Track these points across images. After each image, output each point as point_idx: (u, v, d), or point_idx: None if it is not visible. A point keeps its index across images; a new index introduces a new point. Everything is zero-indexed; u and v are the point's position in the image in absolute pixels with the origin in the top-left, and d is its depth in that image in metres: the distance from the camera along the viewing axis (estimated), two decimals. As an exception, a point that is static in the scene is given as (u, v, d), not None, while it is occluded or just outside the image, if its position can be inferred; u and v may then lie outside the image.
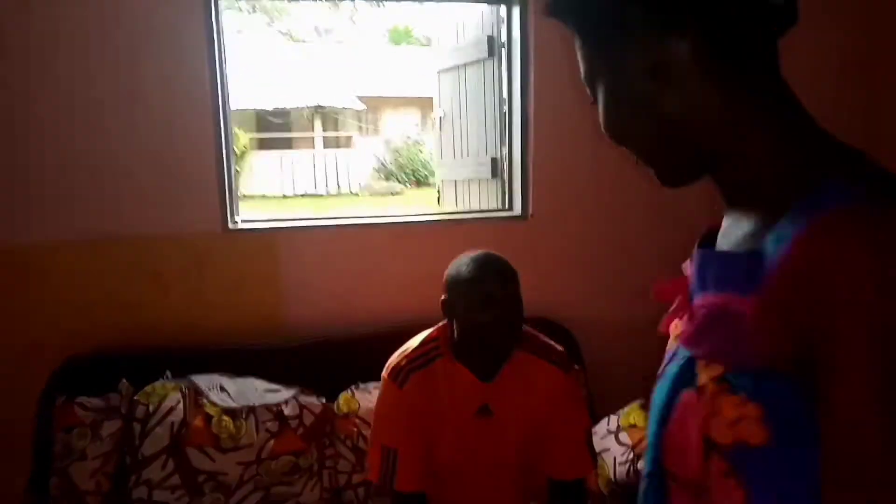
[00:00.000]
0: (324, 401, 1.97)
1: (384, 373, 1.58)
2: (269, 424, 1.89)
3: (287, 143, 14.85)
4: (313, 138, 15.53)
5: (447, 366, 1.54)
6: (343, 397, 1.98)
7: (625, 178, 2.37)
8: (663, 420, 0.66)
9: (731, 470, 0.59)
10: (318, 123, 15.77)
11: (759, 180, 0.63)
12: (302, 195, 12.25)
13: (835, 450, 0.53)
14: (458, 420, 1.53)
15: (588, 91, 0.73)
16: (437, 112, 2.76)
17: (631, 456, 1.78)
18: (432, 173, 16.54)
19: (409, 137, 16.87)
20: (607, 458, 1.84)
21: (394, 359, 1.58)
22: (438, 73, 2.71)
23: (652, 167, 0.70)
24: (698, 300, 0.65)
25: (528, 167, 2.31)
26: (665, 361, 0.72)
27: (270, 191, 13.11)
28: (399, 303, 2.24)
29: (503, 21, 2.32)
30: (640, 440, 1.80)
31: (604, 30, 0.67)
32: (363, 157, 16.12)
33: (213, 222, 2.09)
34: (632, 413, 1.88)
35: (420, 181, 16.17)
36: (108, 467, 1.82)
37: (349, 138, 16.94)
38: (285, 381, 2.00)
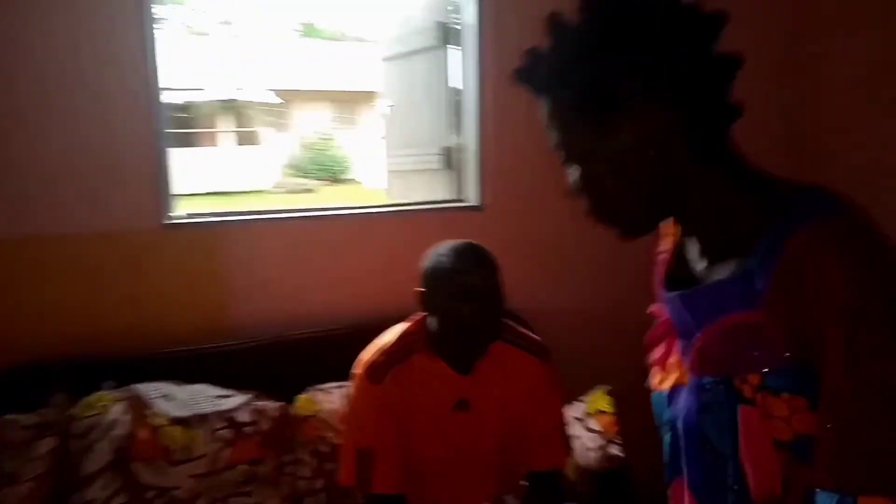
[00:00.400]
0: (281, 404, 1.86)
1: (357, 370, 1.51)
2: (223, 432, 1.76)
3: (195, 140, 14.24)
4: (223, 134, 14.98)
5: (424, 361, 1.48)
6: (302, 399, 1.87)
7: None
8: (733, 434, 0.70)
9: (800, 462, 0.66)
10: (228, 119, 15.22)
11: (729, 221, 0.72)
12: (211, 193, 11.77)
13: (824, 421, 0.63)
14: (436, 416, 1.49)
15: (562, 156, 0.80)
16: (382, 101, 2.68)
17: (601, 442, 1.77)
18: (347, 169, 16.33)
19: (321, 133, 16.57)
20: (577, 446, 1.83)
21: (368, 355, 1.51)
22: (383, 61, 2.63)
23: (619, 224, 0.79)
24: (705, 330, 0.73)
25: (482, 157, 2.27)
26: (675, 399, 0.80)
27: (178, 189, 12.49)
28: (355, 298, 2.15)
29: (456, 7, 2.27)
30: (610, 425, 1.80)
31: (598, 103, 0.72)
32: (275, 153, 15.70)
33: (150, 217, 1.93)
34: (598, 399, 1.88)
35: (335, 178, 15.92)
36: (43, 490, 1.64)
37: (261, 134, 16.45)
38: (238, 385, 1.87)
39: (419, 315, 1.55)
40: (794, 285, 0.64)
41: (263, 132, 16.12)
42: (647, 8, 0.70)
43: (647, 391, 0.88)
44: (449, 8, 2.28)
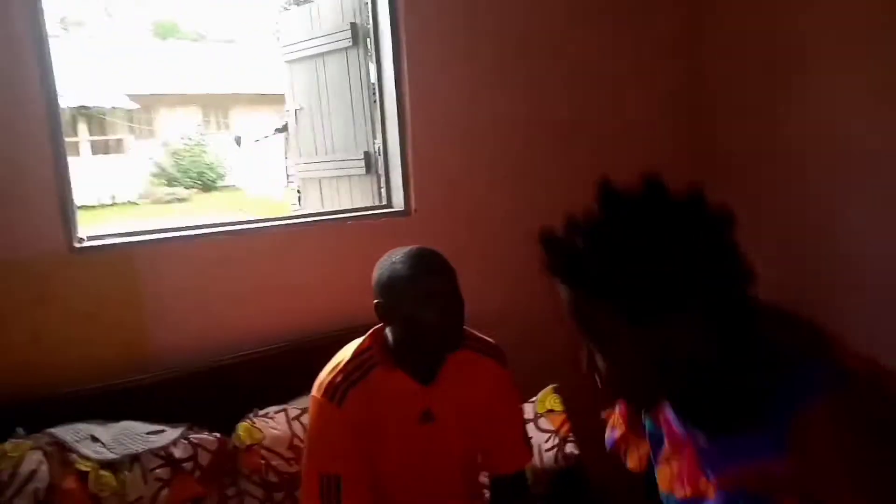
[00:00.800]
0: (219, 435, 1.73)
1: (316, 393, 1.43)
2: (158, 472, 1.62)
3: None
4: (77, 143, 13.84)
5: (385, 375, 1.43)
6: (242, 428, 1.75)
7: (508, 165, 2.41)
8: None
9: None
10: (82, 127, 14.08)
11: (736, 398, 0.78)
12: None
13: None
14: (400, 430, 1.44)
15: (585, 340, 0.81)
16: (290, 105, 2.56)
17: (556, 441, 1.79)
18: (221, 176, 15.59)
19: (189, 138, 15.73)
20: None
21: (325, 376, 1.43)
22: (289, 63, 2.51)
23: (633, 403, 0.88)
24: (728, 467, 0.80)
25: (407, 160, 2.23)
26: None
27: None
28: (287, 315, 2.05)
29: (367, 7, 2.21)
30: (562, 424, 1.82)
31: (639, 311, 0.74)
32: (138, 161, 14.74)
33: (55, 241, 1.73)
34: (546, 399, 1.90)
35: (208, 185, 15.18)
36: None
37: (120, 142, 15.38)
38: (169, 419, 1.73)
39: (373, 329, 1.49)
40: (808, 451, 0.72)
41: (125, 139, 15.09)
42: (687, 227, 0.75)
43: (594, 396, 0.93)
44: (363, 9, 2.21)
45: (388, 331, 1.46)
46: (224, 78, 15.27)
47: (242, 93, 15.29)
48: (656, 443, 0.96)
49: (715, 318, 0.75)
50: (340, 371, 1.43)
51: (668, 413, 0.89)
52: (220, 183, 15.42)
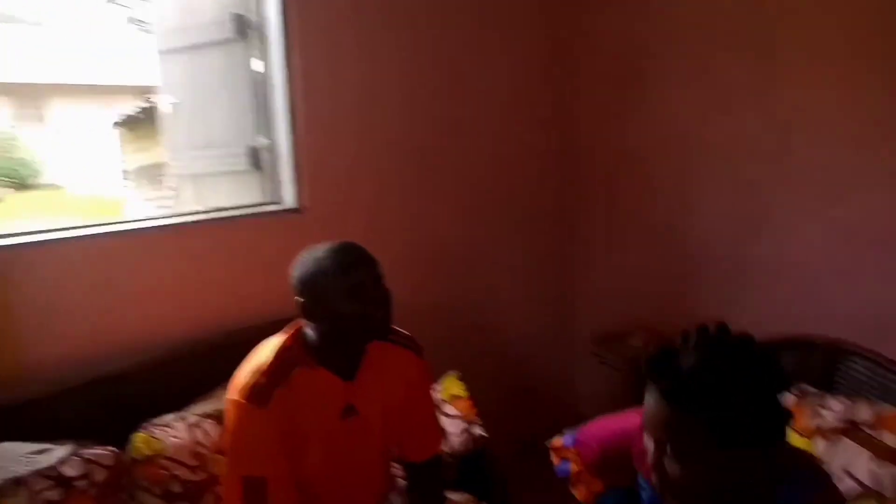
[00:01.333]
0: (113, 450, 1.61)
1: (237, 396, 1.39)
2: (48, 494, 1.48)
3: None
4: None
5: (307, 373, 1.43)
6: (140, 439, 1.64)
7: (403, 160, 2.44)
8: None
9: None
10: None
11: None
12: None
13: None
14: (324, 427, 1.45)
15: (665, 449, 0.94)
16: (163, 98, 2.40)
17: (463, 426, 1.86)
18: (37, 173, 14.05)
19: (2, 132, 14.01)
20: (439, 434, 1.90)
21: (245, 378, 1.40)
22: (162, 54, 2.36)
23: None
24: None
25: (297, 156, 2.19)
26: None
27: None
28: (175, 319, 1.95)
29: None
30: (467, 408, 1.90)
31: (737, 431, 0.90)
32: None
33: None
34: (450, 385, 1.97)
35: (23, 183, 13.63)
36: None
37: (-90, 135, 13.40)
38: (53, 436, 1.58)
39: (292, 327, 1.48)
40: None
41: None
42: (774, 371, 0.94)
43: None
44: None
45: (307, 329, 1.45)
46: (42, 65, 13.77)
47: (67, 83, 13.89)
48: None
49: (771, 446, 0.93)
50: (263, 373, 1.40)
51: None
52: (36, 180, 13.91)
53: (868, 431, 1.48)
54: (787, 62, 2.24)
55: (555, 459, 1.29)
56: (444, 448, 1.82)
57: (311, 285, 1.38)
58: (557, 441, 1.33)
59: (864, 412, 1.53)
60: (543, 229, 3.00)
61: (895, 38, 1.98)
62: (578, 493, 1.22)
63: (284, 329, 1.49)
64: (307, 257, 1.42)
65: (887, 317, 2.07)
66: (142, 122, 7.99)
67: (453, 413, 1.89)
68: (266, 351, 1.45)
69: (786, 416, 0.94)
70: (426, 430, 1.62)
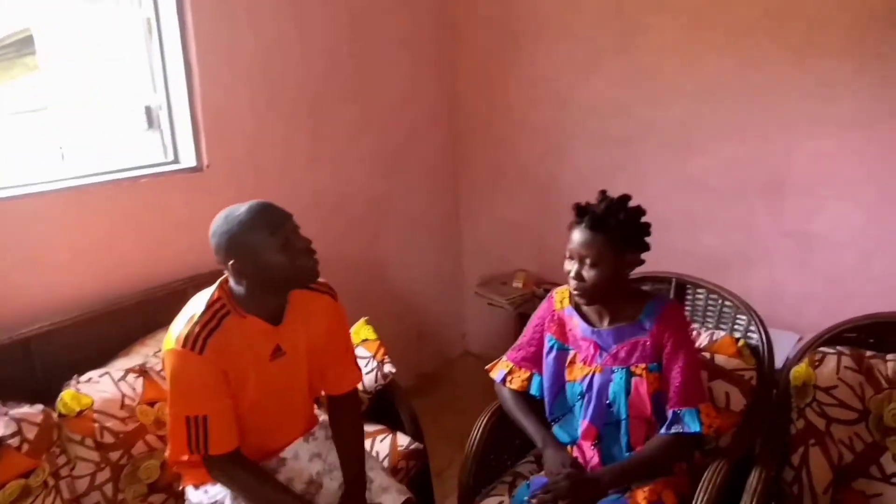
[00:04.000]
0: (42, 408, 1.66)
1: (174, 346, 1.51)
2: (-21, 453, 1.52)
3: None
4: None
5: (238, 321, 1.56)
6: (68, 395, 1.70)
7: (304, 117, 2.51)
8: (627, 393, 1.63)
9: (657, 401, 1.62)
10: None
11: (627, 303, 1.67)
12: None
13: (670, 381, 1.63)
14: (257, 368, 1.59)
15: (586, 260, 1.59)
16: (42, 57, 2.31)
17: (374, 364, 2.06)
18: None
19: None
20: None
21: (181, 329, 1.51)
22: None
23: (596, 298, 1.64)
24: (616, 347, 1.65)
25: (195, 114, 2.22)
26: (592, 382, 1.69)
27: None
28: (84, 282, 1.98)
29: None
30: (377, 348, 2.09)
31: (628, 243, 1.61)
32: None
33: None
34: (360, 330, 2.14)
35: None
36: None
37: None
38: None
39: (220, 282, 1.58)
40: (663, 328, 1.61)
41: None
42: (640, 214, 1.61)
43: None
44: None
45: (232, 284, 1.56)
46: None
47: None
48: (562, 356, 1.74)
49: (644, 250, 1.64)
50: (197, 323, 1.50)
51: (580, 331, 1.71)
52: None
53: (704, 354, 1.83)
54: (644, 28, 2.55)
55: (496, 375, 1.85)
56: (359, 386, 2.01)
57: (241, 246, 1.48)
58: (493, 364, 1.88)
59: (702, 338, 1.88)
60: (436, 183, 3.21)
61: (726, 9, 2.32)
62: (514, 384, 1.81)
63: (218, 284, 1.59)
64: (228, 221, 1.50)
65: (720, 255, 2.49)
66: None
67: (364, 354, 2.08)
68: (198, 304, 1.55)
69: (648, 233, 1.61)
70: (345, 366, 1.79)
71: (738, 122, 2.42)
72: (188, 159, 2.27)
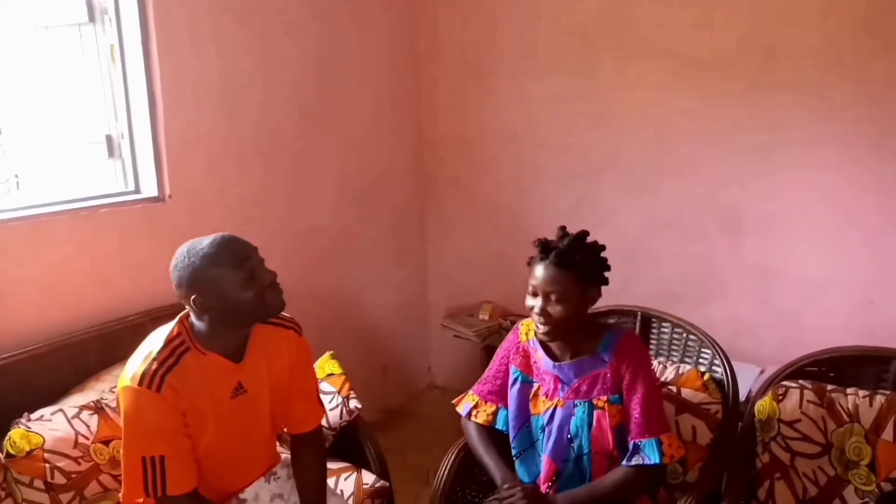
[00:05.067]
0: (-14, 449, 1.59)
1: (130, 384, 1.45)
2: (-80, 498, 1.44)
3: None
4: None
5: (198, 357, 1.52)
6: (16, 435, 1.62)
7: (268, 149, 2.49)
8: (590, 427, 1.64)
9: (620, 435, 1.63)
10: None
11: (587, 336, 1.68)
12: None
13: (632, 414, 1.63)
14: (216, 407, 1.54)
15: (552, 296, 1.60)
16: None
17: (339, 400, 2.02)
18: None
19: None
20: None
21: (137, 367, 1.46)
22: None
23: (561, 334, 1.65)
24: (577, 381, 1.66)
25: (158, 143, 2.18)
26: (553, 415, 1.69)
27: None
28: (38, 313, 1.91)
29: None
30: (342, 384, 2.05)
31: (591, 279, 1.64)
32: None
33: None
34: (325, 364, 2.10)
35: None
36: None
37: None
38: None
39: (180, 317, 1.53)
40: (621, 360, 1.62)
41: None
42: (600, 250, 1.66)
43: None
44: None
45: (193, 320, 1.52)
46: None
47: None
48: (526, 389, 1.74)
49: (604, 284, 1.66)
50: (154, 360, 1.45)
51: (543, 365, 1.71)
52: None
53: (670, 388, 1.84)
54: (606, 67, 2.61)
55: (462, 409, 1.84)
56: (323, 422, 1.97)
57: (205, 281, 1.44)
58: (459, 399, 1.87)
59: (668, 372, 1.90)
60: (402, 215, 3.20)
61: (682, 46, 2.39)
62: (480, 419, 1.79)
63: (178, 319, 1.54)
64: (191, 255, 1.46)
65: (683, 289, 2.53)
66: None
67: (329, 389, 2.03)
68: (156, 340, 1.50)
69: (608, 268, 1.65)
70: (308, 405, 1.75)
71: (696, 159, 2.49)
72: (150, 189, 2.23)
